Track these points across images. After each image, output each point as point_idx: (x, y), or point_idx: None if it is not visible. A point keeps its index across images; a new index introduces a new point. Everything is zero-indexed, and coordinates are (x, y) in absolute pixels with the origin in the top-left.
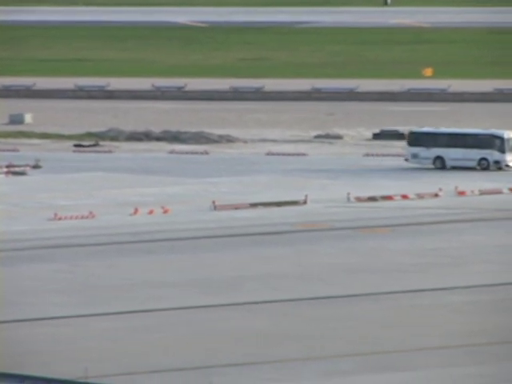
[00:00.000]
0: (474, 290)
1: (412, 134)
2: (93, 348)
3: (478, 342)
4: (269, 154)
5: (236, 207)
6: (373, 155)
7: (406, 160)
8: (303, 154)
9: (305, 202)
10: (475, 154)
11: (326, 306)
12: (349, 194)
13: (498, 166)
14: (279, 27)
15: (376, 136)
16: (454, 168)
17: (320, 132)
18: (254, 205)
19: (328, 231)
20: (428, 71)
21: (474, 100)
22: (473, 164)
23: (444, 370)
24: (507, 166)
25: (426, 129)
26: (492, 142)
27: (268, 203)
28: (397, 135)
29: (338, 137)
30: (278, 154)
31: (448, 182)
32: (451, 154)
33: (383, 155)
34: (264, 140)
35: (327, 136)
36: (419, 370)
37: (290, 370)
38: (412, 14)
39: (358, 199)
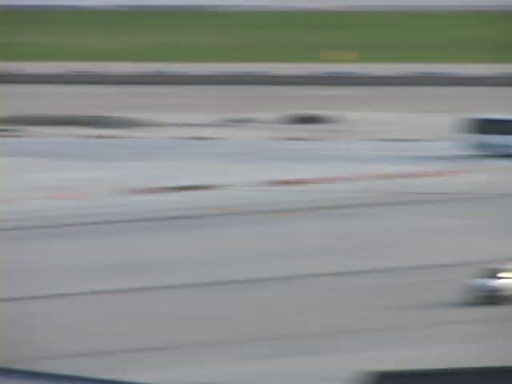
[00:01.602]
0: (385, 274)
1: (479, 121)
2: None
3: (391, 325)
4: (185, 138)
5: (151, 191)
6: (289, 139)
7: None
8: (218, 138)
9: (221, 186)
10: None
11: (240, 290)
12: (262, 177)
13: None
14: (188, 11)
15: (291, 120)
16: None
17: (237, 116)
18: (172, 188)
19: (242, 215)
20: (350, 54)
21: (393, 84)
22: None
23: (356, 354)
24: None
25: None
26: None
27: (183, 187)
28: (312, 119)
29: (253, 121)
30: (194, 138)
31: (364, 165)
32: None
33: (299, 139)
34: (181, 124)
35: (243, 120)
36: (333, 353)
37: (203, 354)
38: None
39: (272, 182)
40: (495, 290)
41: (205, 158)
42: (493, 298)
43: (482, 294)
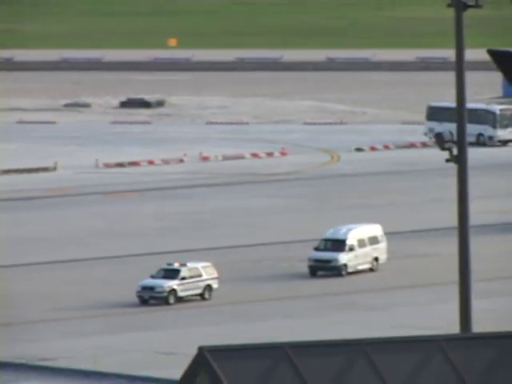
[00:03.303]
0: (217, 252)
1: (429, 108)
2: None
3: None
4: (19, 122)
5: None
6: (120, 123)
7: (425, 134)
8: (52, 122)
9: (55, 169)
10: (474, 129)
11: (77, 268)
12: (97, 160)
13: (491, 142)
14: (26, 1)
15: (123, 104)
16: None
17: (69, 101)
18: (5, 171)
19: (78, 196)
20: (172, 41)
21: (216, 69)
22: (472, 139)
23: (191, 329)
24: (499, 141)
25: (440, 103)
26: (486, 117)
27: (19, 170)
28: (143, 103)
29: (86, 105)
30: (29, 122)
31: (194, 148)
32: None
33: (130, 123)
34: (15, 109)
35: (76, 104)
36: (171, 329)
37: (35, 330)
38: None
39: (107, 165)
40: (326, 261)
41: (39, 142)
42: (326, 270)
43: (312, 265)
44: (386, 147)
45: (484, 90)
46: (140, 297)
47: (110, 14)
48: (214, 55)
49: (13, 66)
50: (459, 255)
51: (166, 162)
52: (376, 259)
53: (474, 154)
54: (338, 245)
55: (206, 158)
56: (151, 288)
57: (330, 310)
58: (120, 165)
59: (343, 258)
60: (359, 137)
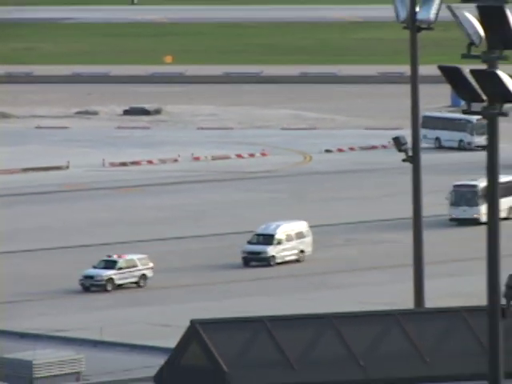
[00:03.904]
0: (208, 239)
1: (423, 117)
2: None
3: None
4: (38, 127)
5: (9, 172)
6: (123, 128)
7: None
8: (66, 127)
9: (67, 167)
10: (456, 135)
11: (94, 253)
12: (104, 160)
13: (470, 147)
14: (46, 23)
15: (126, 112)
16: (450, 148)
17: (80, 109)
18: (25, 169)
19: (88, 191)
20: (168, 58)
21: (207, 82)
22: (455, 144)
23: (182, 305)
24: (477, 146)
25: (432, 113)
26: (465, 125)
27: (37, 168)
28: (143, 111)
29: (95, 113)
30: (46, 128)
31: (187, 149)
32: (444, 135)
33: (132, 128)
34: (34, 116)
35: (86, 112)
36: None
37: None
38: (155, 11)
39: (112, 164)
40: (257, 253)
41: (54, 145)
42: (261, 261)
43: (246, 256)
44: (352, 149)
45: (435, 100)
46: (82, 284)
47: (116, 35)
48: (205, 70)
49: (32, 79)
50: (414, 241)
51: (162, 161)
52: (302, 251)
53: (432, 156)
54: (268, 239)
55: (197, 158)
56: (91, 277)
57: (253, 292)
58: (123, 164)
59: (272, 250)
60: (328, 140)
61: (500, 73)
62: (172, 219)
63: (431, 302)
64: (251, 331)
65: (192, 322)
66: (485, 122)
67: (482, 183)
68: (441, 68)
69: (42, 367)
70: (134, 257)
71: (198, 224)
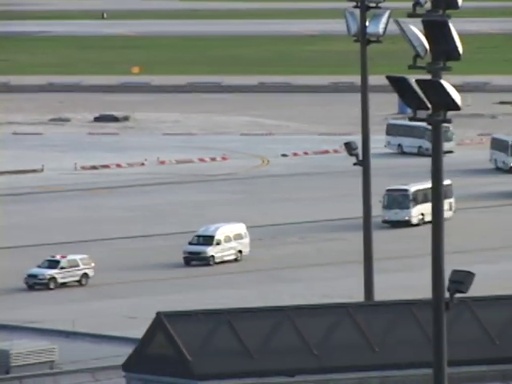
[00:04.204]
0: (171, 237)
1: (388, 124)
2: None
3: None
4: (14, 133)
5: None
6: (94, 134)
7: (385, 146)
8: (40, 134)
9: (42, 170)
10: (416, 142)
11: (61, 250)
12: (76, 163)
13: (428, 153)
14: (21, 36)
15: (96, 119)
16: (410, 153)
17: (53, 116)
18: (1, 172)
19: (61, 192)
20: (136, 69)
21: (171, 91)
22: (415, 150)
23: (148, 298)
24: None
25: (396, 121)
26: (424, 132)
27: (12, 171)
28: (112, 118)
29: (67, 120)
30: (22, 134)
31: (153, 154)
32: (405, 142)
33: (102, 134)
34: (11, 122)
35: (59, 119)
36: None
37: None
38: (123, 25)
39: (83, 168)
40: (197, 253)
41: (29, 149)
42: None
43: (187, 256)
44: (306, 153)
45: (383, 108)
46: (26, 283)
47: (87, 47)
48: (170, 80)
49: (9, 89)
50: (364, 239)
51: (130, 165)
52: (240, 252)
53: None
54: (207, 240)
55: (162, 162)
56: (35, 276)
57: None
58: (94, 167)
59: (211, 250)
60: (284, 145)
61: (444, 82)
62: (137, 218)
63: (380, 295)
64: (213, 323)
65: (158, 313)
66: (444, 129)
67: (413, 187)
68: (389, 78)
69: (19, 356)
70: (76, 257)
71: (161, 221)
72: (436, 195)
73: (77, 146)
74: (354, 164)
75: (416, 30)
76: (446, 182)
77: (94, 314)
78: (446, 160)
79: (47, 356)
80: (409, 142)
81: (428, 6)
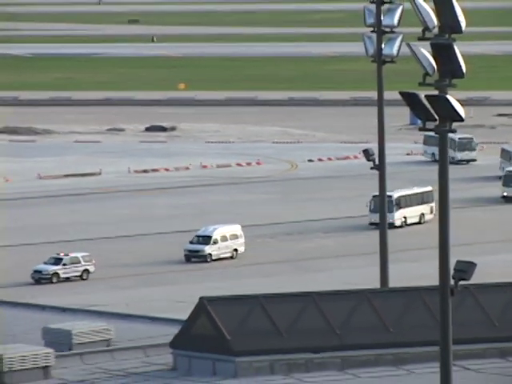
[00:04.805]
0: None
1: (424, 136)
2: None
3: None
4: (76, 141)
5: (54, 177)
6: (145, 142)
7: (422, 154)
8: (99, 142)
9: (100, 174)
10: None
11: (116, 243)
12: (129, 168)
13: (453, 161)
14: (82, 57)
15: (147, 129)
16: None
17: (110, 126)
18: (66, 175)
19: (117, 193)
20: (182, 86)
21: (212, 105)
22: None
23: (191, 286)
24: (459, 161)
25: (429, 133)
26: (450, 143)
27: (75, 174)
28: (161, 128)
29: (122, 130)
30: (82, 142)
31: (196, 159)
32: (437, 151)
33: (152, 142)
34: (73, 132)
35: (115, 129)
36: (177, 284)
37: (84, 286)
38: (171, 47)
39: (136, 171)
40: (196, 251)
41: (89, 155)
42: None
43: (187, 254)
44: (329, 159)
45: (397, 119)
46: (33, 278)
47: (139, 67)
48: (211, 95)
49: (72, 103)
50: (380, 233)
51: (176, 169)
52: (236, 250)
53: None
54: (206, 239)
55: (204, 167)
56: (40, 271)
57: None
58: (145, 171)
59: (208, 249)
60: (310, 152)
61: (449, 97)
62: (183, 216)
63: (393, 282)
64: (248, 306)
65: (201, 298)
66: (465, 140)
67: (396, 194)
68: (401, 93)
69: (80, 335)
70: (78, 254)
71: (201, 220)
72: (443, 195)
73: (130, 153)
74: (371, 168)
75: (425, 51)
76: (428, 188)
77: (143, 299)
78: (459, 166)
79: (104, 335)
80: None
81: (436, 31)
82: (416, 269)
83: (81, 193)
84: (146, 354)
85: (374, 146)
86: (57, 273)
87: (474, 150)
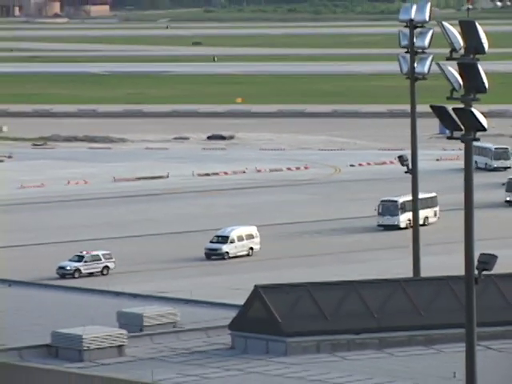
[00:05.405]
0: (267, 227)
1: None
2: None
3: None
4: (147, 148)
5: (127, 180)
6: (207, 149)
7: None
8: (166, 149)
9: (167, 177)
10: (484, 160)
11: (181, 237)
12: (193, 171)
13: (490, 168)
14: (151, 74)
15: (209, 138)
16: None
17: (176, 135)
18: (138, 178)
19: (182, 193)
20: (239, 100)
21: (266, 116)
22: (483, 166)
23: (243, 275)
24: (495, 168)
25: (479, 143)
26: (488, 152)
27: (146, 177)
28: (221, 137)
29: (187, 138)
30: (152, 149)
31: (252, 164)
32: (478, 159)
33: (213, 149)
34: (144, 140)
35: (180, 138)
36: (232, 274)
37: (136, 277)
38: (230, 66)
39: (199, 175)
40: (215, 249)
41: (158, 161)
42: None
43: (207, 252)
44: (368, 164)
45: (428, 129)
46: (58, 273)
47: (202, 83)
48: (265, 108)
49: (143, 115)
50: (413, 228)
51: (234, 172)
52: (251, 248)
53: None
54: (224, 239)
55: (259, 171)
56: (63, 267)
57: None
58: (207, 174)
59: (226, 247)
60: (352, 157)
61: (474, 110)
62: (240, 214)
63: (424, 272)
64: (297, 293)
65: (255, 286)
66: (500, 150)
67: (401, 199)
68: (432, 107)
69: (149, 318)
70: (99, 252)
71: (255, 218)
72: (467, 195)
73: (194, 158)
74: (405, 172)
75: (453, 70)
76: (432, 194)
77: (205, 286)
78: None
79: (171, 318)
80: (480, 160)
81: (462, 51)
82: (436, 261)
83: (151, 193)
84: (207, 334)
85: (407, 153)
86: (79, 269)
87: (509, 158)
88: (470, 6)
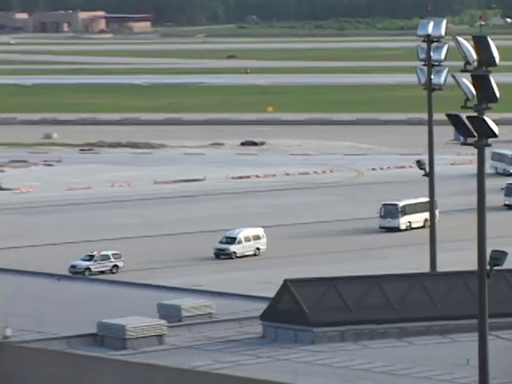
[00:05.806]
0: (296, 226)
1: (492, 152)
2: None
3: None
4: (185, 153)
5: (166, 182)
6: (240, 154)
7: (489, 168)
8: (203, 154)
9: (204, 179)
10: (502, 165)
11: (215, 236)
12: (228, 175)
13: (507, 173)
14: (187, 85)
15: (242, 143)
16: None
17: (212, 141)
18: (176, 181)
19: (218, 195)
20: (270, 109)
21: (295, 124)
22: (502, 171)
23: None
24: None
25: (498, 150)
26: (506, 158)
27: (184, 180)
28: (253, 143)
29: (222, 144)
30: (190, 154)
31: (281, 168)
32: (498, 165)
33: (246, 154)
34: (182, 146)
35: (216, 144)
36: (259, 270)
37: (189, 269)
38: (261, 78)
39: (233, 178)
40: (223, 249)
41: (195, 165)
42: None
43: (216, 252)
44: (389, 168)
45: (443, 136)
46: (70, 271)
47: (234, 94)
48: (294, 116)
49: (181, 122)
50: (430, 227)
51: (265, 176)
52: (258, 249)
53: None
54: (231, 240)
55: (288, 174)
56: (74, 266)
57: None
58: (240, 177)
59: (233, 248)
60: (374, 162)
61: (486, 118)
62: (269, 214)
63: (441, 267)
64: (323, 286)
65: (285, 280)
66: None
67: (402, 203)
68: (447, 115)
69: (187, 310)
70: (109, 252)
71: (284, 218)
72: (480, 197)
73: (228, 163)
74: (423, 175)
75: (466, 81)
76: (425, 199)
77: (236, 281)
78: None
79: (207, 309)
80: (500, 166)
81: (475, 64)
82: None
83: (189, 195)
84: (240, 325)
85: (425, 158)
86: (89, 268)
87: None
88: (483, 23)
